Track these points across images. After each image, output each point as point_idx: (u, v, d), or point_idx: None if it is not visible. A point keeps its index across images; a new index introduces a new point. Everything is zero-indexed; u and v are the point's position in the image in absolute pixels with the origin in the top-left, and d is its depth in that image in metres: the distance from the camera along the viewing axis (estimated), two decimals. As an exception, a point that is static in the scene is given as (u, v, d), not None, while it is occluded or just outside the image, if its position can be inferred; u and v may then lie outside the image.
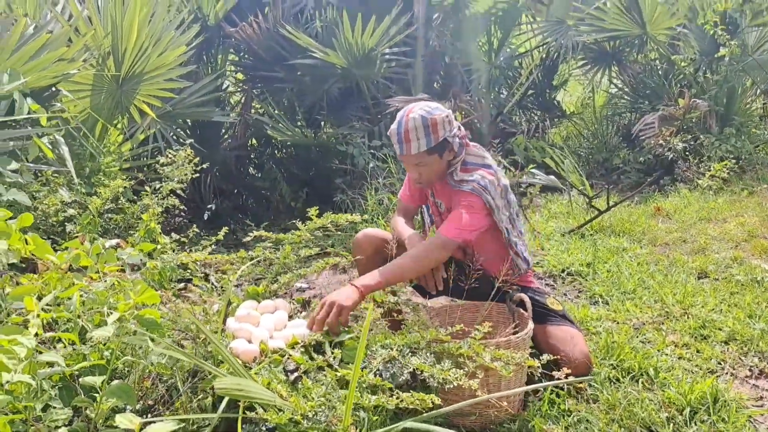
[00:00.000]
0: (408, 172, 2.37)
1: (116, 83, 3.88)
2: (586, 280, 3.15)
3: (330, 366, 1.71)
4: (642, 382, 2.16)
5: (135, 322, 1.54)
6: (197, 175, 3.48)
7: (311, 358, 1.75)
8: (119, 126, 4.19)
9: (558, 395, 2.10)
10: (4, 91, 2.93)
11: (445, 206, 2.42)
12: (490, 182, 2.24)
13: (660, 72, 6.30)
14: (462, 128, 2.31)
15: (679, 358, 2.33)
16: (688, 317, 2.61)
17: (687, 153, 5.30)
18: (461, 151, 2.27)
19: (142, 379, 1.72)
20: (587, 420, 1.98)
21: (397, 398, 1.49)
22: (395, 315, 2.23)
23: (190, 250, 2.91)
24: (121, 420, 1.24)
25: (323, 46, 4.91)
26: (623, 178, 5.64)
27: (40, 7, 4.00)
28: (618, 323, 2.63)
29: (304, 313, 2.15)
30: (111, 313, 1.47)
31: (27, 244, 1.95)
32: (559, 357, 1.99)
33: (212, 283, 2.73)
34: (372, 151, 4.97)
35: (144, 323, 1.50)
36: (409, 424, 1.51)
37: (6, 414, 1.33)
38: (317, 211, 2.50)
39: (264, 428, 1.59)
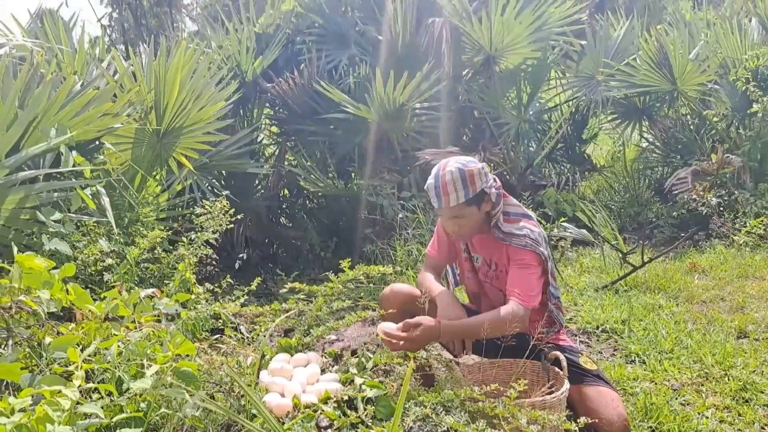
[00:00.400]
0: (445, 226, 2.34)
1: (157, 136, 4.01)
2: (622, 337, 3.09)
3: (362, 423, 1.69)
4: (682, 447, 2.09)
5: (171, 374, 1.56)
6: (231, 225, 3.55)
7: (344, 414, 1.74)
8: (158, 177, 4.31)
9: (594, 459, 2.04)
10: (51, 145, 3.05)
11: (485, 260, 2.39)
12: (539, 234, 2.26)
13: (692, 127, 6.28)
14: (497, 180, 2.32)
15: (721, 421, 2.25)
16: (728, 379, 2.53)
17: (721, 208, 5.22)
18: (499, 201, 2.28)
19: (175, 430, 1.73)
20: (626, 486, 1.92)
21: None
22: (427, 370, 2.21)
23: (223, 300, 2.95)
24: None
25: (355, 101, 5.02)
26: (656, 232, 5.57)
27: (88, 64, 4.19)
28: (656, 384, 2.56)
29: (336, 367, 2.14)
30: (150, 365, 1.49)
31: (68, 293, 2.01)
32: (596, 420, 1.94)
33: (243, 335, 2.74)
34: (401, 201, 5.01)
35: (181, 376, 1.51)
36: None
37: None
38: (350, 263, 2.52)
39: (296, 486, 1.58)
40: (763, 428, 2.21)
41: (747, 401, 2.37)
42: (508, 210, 2.32)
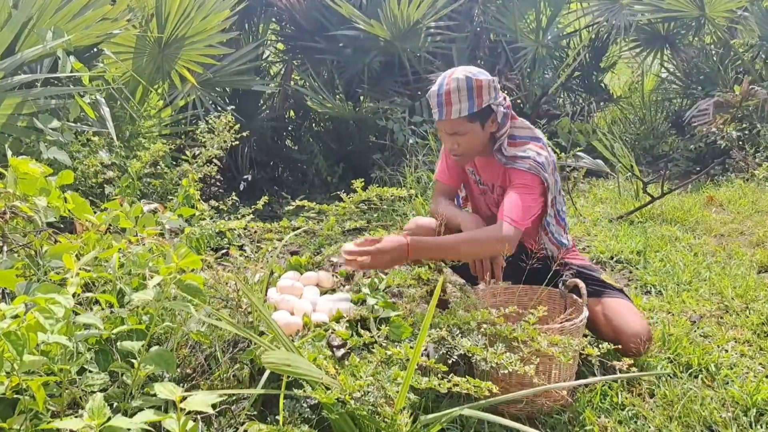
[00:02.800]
0: (444, 141, 2.15)
1: (158, 46, 3.82)
2: (637, 268, 3.01)
3: (376, 343, 1.61)
4: (702, 379, 2.03)
5: (176, 287, 1.46)
6: (237, 143, 3.41)
7: (356, 334, 1.66)
8: (160, 91, 4.14)
9: (611, 387, 1.98)
10: (47, 48, 2.88)
11: (488, 184, 2.26)
12: (546, 158, 2.10)
13: (715, 57, 6.02)
14: (507, 99, 2.15)
15: (742, 355, 2.18)
16: (749, 312, 2.45)
17: (741, 142, 5.05)
18: (505, 122, 2.10)
19: (179, 346, 1.65)
20: (643, 416, 1.86)
21: (452, 382, 1.39)
22: (441, 294, 2.13)
23: (228, 219, 2.85)
24: (160, 389, 1.16)
25: (367, 16, 4.77)
26: (671, 166, 5.42)
27: (85, -34, 3.94)
28: (673, 315, 2.48)
29: (347, 286, 2.06)
30: (152, 276, 1.39)
31: (66, 202, 1.90)
32: (610, 328, 1.86)
33: (248, 255, 2.66)
34: (412, 127, 4.84)
35: (185, 289, 1.42)
36: (466, 411, 1.41)
37: (40, 376, 1.26)
38: (362, 184, 2.40)
39: (305, 405, 1.51)
40: (785, 362, 2.14)
41: (769, 335, 2.30)
42: (515, 133, 2.15)
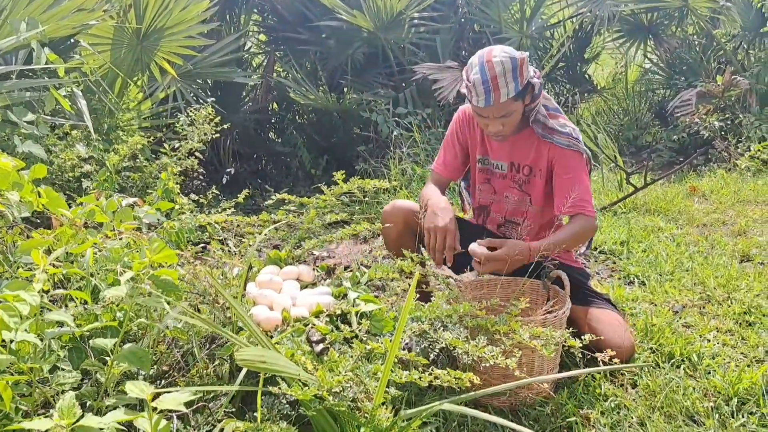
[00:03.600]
0: (488, 127, 2.10)
1: (137, 37, 3.75)
2: (620, 259, 3.01)
3: (356, 337, 1.59)
4: (684, 369, 2.03)
5: (150, 282, 1.43)
6: (217, 135, 3.36)
7: (337, 328, 1.63)
8: (139, 83, 4.07)
9: (594, 378, 1.98)
10: (21, 40, 2.82)
11: (513, 165, 2.21)
12: (577, 130, 2.14)
13: (698, 47, 6.03)
14: (536, 70, 2.11)
15: (723, 344, 2.18)
16: (731, 302, 2.46)
17: (723, 132, 5.08)
18: (539, 93, 2.08)
19: (156, 343, 1.62)
20: (625, 406, 1.86)
21: (433, 375, 1.37)
22: (424, 287, 2.11)
23: (209, 213, 2.81)
24: (131, 388, 1.13)
25: (350, 7, 4.72)
26: (654, 156, 5.43)
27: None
28: (656, 305, 2.49)
29: (328, 280, 2.03)
30: (125, 271, 1.36)
31: (40, 197, 1.85)
32: (601, 338, 1.85)
33: (230, 249, 2.62)
34: (396, 118, 4.80)
35: (160, 284, 1.39)
36: (447, 406, 1.39)
37: (10, 375, 1.23)
38: (344, 176, 2.37)
39: (284, 401, 1.49)
40: (767, 352, 2.14)
41: (750, 325, 2.31)
42: (546, 104, 2.14)
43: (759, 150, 4.51)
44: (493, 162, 2.27)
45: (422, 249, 2.14)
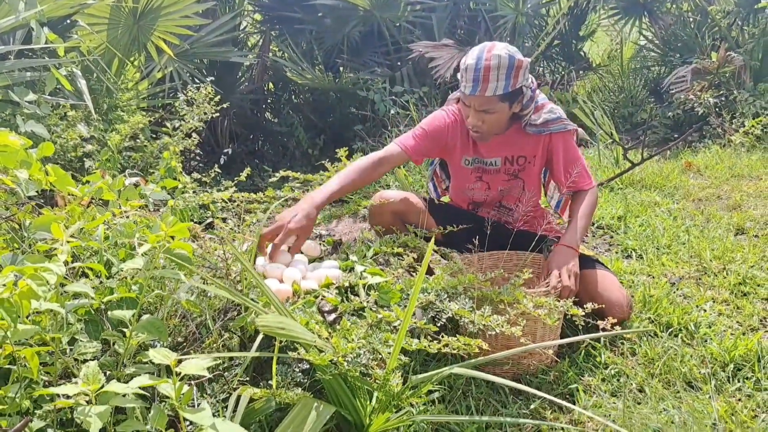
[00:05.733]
0: (468, 117, 2.10)
1: (133, 17, 3.74)
2: (618, 233, 3.06)
3: (365, 308, 1.63)
4: (682, 338, 2.09)
5: (165, 255, 1.46)
6: (217, 114, 3.37)
7: (346, 300, 1.67)
8: (136, 63, 4.06)
9: (594, 347, 2.03)
10: (20, 19, 2.81)
11: (507, 158, 2.23)
12: (561, 109, 2.20)
13: (693, 24, 6.05)
14: (534, 81, 2.14)
15: (719, 314, 2.24)
16: (727, 273, 2.52)
17: (718, 109, 5.12)
18: (530, 105, 2.11)
19: (170, 316, 1.66)
20: (625, 374, 1.92)
21: (443, 343, 1.41)
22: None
23: (211, 192, 2.83)
24: (155, 354, 1.17)
25: (346, -15, 4.71)
26: (649, 133, 5.47)
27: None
28: (654, 278, 2.54)
29: (334, 255, 2.07)
30: (141, 245, 1.39)
31: (48, 175, 1.87)
32: (602, 305, 1.91)
33: (232, 228, 2.65)
34: (393, 97, 4.82)
35: (175, 257, 1.42)
36: (457, 369, 1.44)
37: (32, 346, 1.26)
38: (346, 152, 2.40)
39: (297, 370, 1.53)
40: (762, 321, 2.20)
41: (746, 295, 2.37)
42: (537, 99, 2.18)
43: (753, 126, 4.56)
44: (486, 161, 2.26)
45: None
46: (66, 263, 1.20)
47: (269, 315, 1.32)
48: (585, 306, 1.74)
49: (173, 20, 3.87)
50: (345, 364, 1.30)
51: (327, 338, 1.33)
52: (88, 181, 2.04)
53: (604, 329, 1.68)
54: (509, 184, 2.29)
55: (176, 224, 1.48)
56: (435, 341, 1.44)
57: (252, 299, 1.60)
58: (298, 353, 1.29)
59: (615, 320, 1.70)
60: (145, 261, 1.39)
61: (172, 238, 1.49)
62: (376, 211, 2.22)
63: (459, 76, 2.07)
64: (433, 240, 1.52)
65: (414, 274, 2.03)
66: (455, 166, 2.33)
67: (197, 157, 4.91)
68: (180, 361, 1.16)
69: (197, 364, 1.14)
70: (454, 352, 1.41)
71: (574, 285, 1.97)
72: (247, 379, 1.56)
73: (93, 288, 1.53)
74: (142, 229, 1.69)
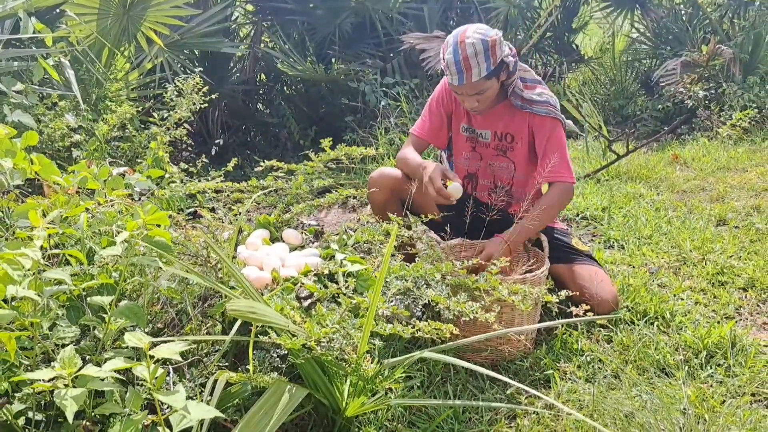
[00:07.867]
0: (464, 103, 2.21)
1: (123, 7, 3.75)
2: (601, 224, 3.09)
3: (343, 295, 1.66)
4: (657, 326, 2.12)
5: (143, 242, 1.49)
6: (206, 105, 3.39)
7: (325, 287, 1.70)
8: (126, 53, 4.07)
9: (571, 335, 2.07)
10: (8, 9, 2.82)
11: (495, 134, 2.29)
12: (556, 99, 2.21)
13: (684, 17, 6.06)
14: (512, 48, 2.18)
15: (696, 303, 2.28)
16: (705, 263, 2.55)
17: (707, 101, 5.14)
18: (515, 69, 2.16)
19: (151, 302, 1.69)
20: (600, 360, 1.95)
21: (416, 328, 1.44)
22: (409, 249, 2.18)
23: (199, 181, 2.85)
24: (130, 338, 1.20)
25: (337, -24, 4.72)
26: (639, 126, 5.50)
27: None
28: (634, 267, 2.58)
29: (316, 243, 2.10)
30: (120, 232, 1.41)
31: (32, 164, 1.89)
32: (580, 295, 1.95)
33: (220, 217, 2.67)
34: (384, 89, 4.83)
35: (154, 244, 1.45)
36: (427, 354, 1.47)
37: (12, 330, 1.29)
38: (331, 143, 2.42)
39: (275, 354, 1.56)
40: (737, 310, 2.24)
41: (723, 284, 2.41)
42: (524, 76, 2.23)
43: (740, 118, 4.59)
44: (477, 131, 2.33)
45: (409, 215, 2.20)
46: (42, 248, 1.22)
47: (240, 300, 1.35)
48: (559, 293, 1.77)
49: (163, 10, 3.87)
50: (318, 348, 1.33)
51: (300, 323, 1.36)
52: (73, 171, 2.07)
53: (577, 315, 1.72)
54: (499, 160, 2.34)
55: (155, 212, 1.51)
56: (409, 326, 1.48)
57: (232, 287, 1.63)
58: (269, 337, 1.32)
59: (587, 306, 1.74)
60: (124, 248, 1.42)
61: (158, 226, 1.52)
62: (373, 181, 2.32)
63: (443, 70, 2.12)
64: (395, 229, 1.54)
65: (403, 258, 2.08)
66: (455, 134, 2.41)
67: (189, 148, 4.92)
68: (154, 345, 1.18)
69: (170, 348, 1.17)
70: (427, 336, 1.44)
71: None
72: (227, 364, 1.60)
73: (73, 275, 1.57)
74: (124, 217, 1.72)
